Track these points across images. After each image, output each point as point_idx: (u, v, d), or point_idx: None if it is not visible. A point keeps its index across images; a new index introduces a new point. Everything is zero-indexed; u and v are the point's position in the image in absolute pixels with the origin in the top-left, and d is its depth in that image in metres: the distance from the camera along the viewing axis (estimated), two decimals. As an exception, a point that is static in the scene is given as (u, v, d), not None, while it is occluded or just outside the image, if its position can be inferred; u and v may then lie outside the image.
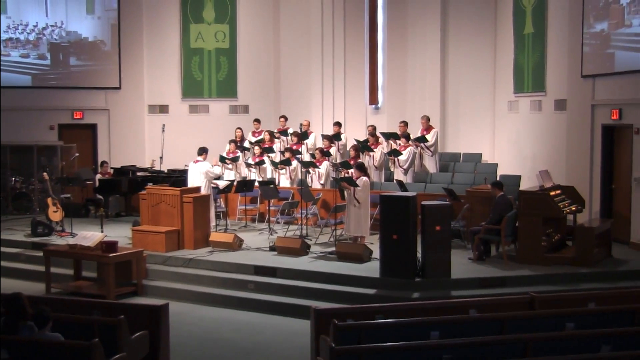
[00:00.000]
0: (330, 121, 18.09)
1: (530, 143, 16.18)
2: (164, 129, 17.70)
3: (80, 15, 18.86)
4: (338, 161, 15.51)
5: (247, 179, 15.62)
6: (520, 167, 15.99)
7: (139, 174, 17.14)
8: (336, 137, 16.28)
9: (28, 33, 18.65)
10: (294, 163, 15.58)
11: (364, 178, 12.75)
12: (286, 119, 17.43)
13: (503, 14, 17.33)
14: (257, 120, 17.54)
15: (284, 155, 15.81)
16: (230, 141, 16.48)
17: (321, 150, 15.30)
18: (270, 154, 16.10)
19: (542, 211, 11.76)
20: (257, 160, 15.99)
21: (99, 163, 17.58)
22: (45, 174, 15.15)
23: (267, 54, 19.87)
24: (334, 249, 12.40)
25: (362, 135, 16.64)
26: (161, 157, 17.23)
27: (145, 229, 12.94)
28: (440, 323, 7.32)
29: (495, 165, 15.84)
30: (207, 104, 19.76)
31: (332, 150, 15.77)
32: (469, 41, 17.70)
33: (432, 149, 15.67)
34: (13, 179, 17.37)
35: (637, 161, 13.02)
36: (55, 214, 14.36)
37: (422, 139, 15.60)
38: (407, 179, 14.97)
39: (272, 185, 14.45)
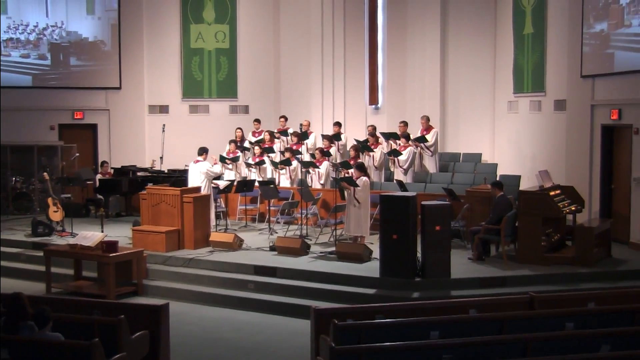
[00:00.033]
0: (330, 121, 18.10)
1: (530, 143, 16.19)
2: (164, 129, 17.70)
3: (80, 15, 18.88)
4: (338, 161, 15.52)
5: (247, 179, 15.64)
6: (520, 167, 16.00)
7: (139, 174, 17.15)
8: (336, 137, 16.29)
9: (28, 33, 18.67)
10: (294, 163, 15.59)
11: (364, 178, 12.76)
12: (286, 119, 17.44)
13: (503, 14, 17.34)
14: (257, 121, 17.56)
15: (284, 155, 15.82)
16: (231, 141, 16.50)
17: (321, 150, 15.31)
18: (270, 154, 16.11)
19: (542, 211, 11.77)
20: (257, 160, 16.00)
21: (99, 163, 17.59)
22: (45, 174, 15.16)
23: (267, 54, 19.88)
24: (334, 248, 12.41)
25: (362, 136, 16.65)
26: (161, 157, 17.23)
27: (146, 229, 12.95)
28: (440, 323, 7.33)
29: (495, 165, 15.85)
30: (207, 104, 19.78)
31: (332, 150, 15.78)
32: (469, 41, 17.71)
33: (432, 149, 15.68)
34: (13, 179, 17.39)
35: (637, 161, 13.03)
36: (55, 214, 14.38)
37: (422, 139, 15.61)
38: (407, 179, 14.98)
39: (272, 185, 14.47)
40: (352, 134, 17.13)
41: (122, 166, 17.77)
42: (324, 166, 15.11)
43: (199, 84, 19.69)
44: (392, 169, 15.70)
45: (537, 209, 11.76)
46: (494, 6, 17.63)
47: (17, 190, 17.33)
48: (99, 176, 16.87)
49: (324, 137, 15.96)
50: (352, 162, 14.03)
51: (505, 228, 11.71)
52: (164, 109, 19.49)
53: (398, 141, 15.47)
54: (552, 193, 12.20)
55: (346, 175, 13.80)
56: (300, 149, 16.17)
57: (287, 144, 16.56)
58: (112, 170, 17.34)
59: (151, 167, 17.54)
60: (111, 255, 11.22)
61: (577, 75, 14.33)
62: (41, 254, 12.23)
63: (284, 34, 19.72)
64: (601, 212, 13.84)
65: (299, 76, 19.49)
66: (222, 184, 14.88)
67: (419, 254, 10.99)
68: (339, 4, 18.75)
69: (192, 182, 13.85)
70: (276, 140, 16.81)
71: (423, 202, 11.00)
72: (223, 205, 15.29)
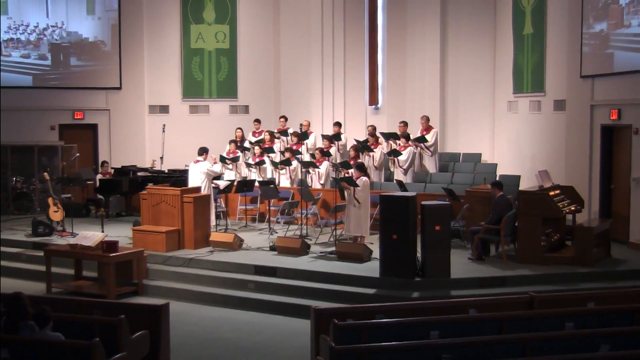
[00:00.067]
0: (330, 121, 18.11)
1: (530, 143, 16.21)
2: (165, 129, 17.72)
3: (80, 15, 18.90)
4: (338, 161, 15.53)
5: (248, 179, 15.65)
6: (520, 167, 16.01)
7: (139, 174, 17.17)
8: (336, 137, 16.30)
9: (29, 33, 18.69)
10: (294, 163, 15.61)
11: (364, 178, 12.77)
12: (286, 119, 17.45)
13: (502, 14, 17.35)
14: (258, 121, 17.57)
15: (284, 156, 15.84)
16: (231, 141, 16.51)
17: (321, 150, 15.33)
18: (270, 154, 16.12)
19: (542, 211, 11.78)
20: (257, 160, 16.01)
21: (100, 163, 17.60)
22: (46, 174, 15.18)
23: (267, 54, 19.89)
24: (334, 248, 12.43)
25: (362, 136, 16.66)
26: (161, 157, 17.24)
27: (146, 229, 12.96)
28: (440, 323, 7.33)
29: (495, 165, 15.86)
30: (208, 104, 19.79)
31: (332, 150, 15.79)
32: (469, 41, 17.72)
33: (431, 149, 15.69)
34: (14, 179, 17.40)
35: (636, 161, 13.04)
36: (56, 213, 14.39)
37: (421, 139, 15.62)
38: (406, 179, 15.00)
39: (272, 185, 14.48)
40: (352, 134, 17.14)
41: (122, 166, 17.78)
42: (324, 166, 15.13)
43: (199, 84, 19.70)
44: (392, 169, 15.71)
45: (537, 209, 11.77)
46: (493, 6, 17.64)
47: (17, 190, 17.34)
48: (99, 176, 16.88)
49: (324, 137, 15.97)
50: (352, 162, 14.04)
51: (505, 228, 11.72)
52: (164, 109, 19.51)
53: (398, 141, 15.48)
54: (551, 193, 12.21)
55: (346, 175, 13.81)
56: (300, 149, 16.18)
57: (287, 144, 16.58)
58: (112, 170, 17.35)
59: (151, 167, 17.55)
60: (111, 255, 11.23)
61: (576, 75, 14.35)
62: (41, 253, 12.25)
63: (284, 34, 19.73)
64: (601, 212, 13.85)
65: (299, 76, 19.50)
66: (222, 184, 14.89)
67: (418, 254, 11.01)
68: (339, 4, 18.76)
69: (192, 182, 13.86)
70: (276, 140, 16.82)
71: (423, 202, 11.01)
72: (223, 205, 15.30)
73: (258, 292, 11.32)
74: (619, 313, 7.72)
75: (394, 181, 14.84)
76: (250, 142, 16.90)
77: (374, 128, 16.10)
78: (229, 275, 11.76)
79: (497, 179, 14.10)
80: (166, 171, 17.09)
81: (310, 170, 15.08)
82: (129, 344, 7.29)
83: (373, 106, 18.65)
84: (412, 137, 15.57)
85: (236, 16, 19.68)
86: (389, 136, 15.69)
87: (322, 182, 15.13)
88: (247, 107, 19.82)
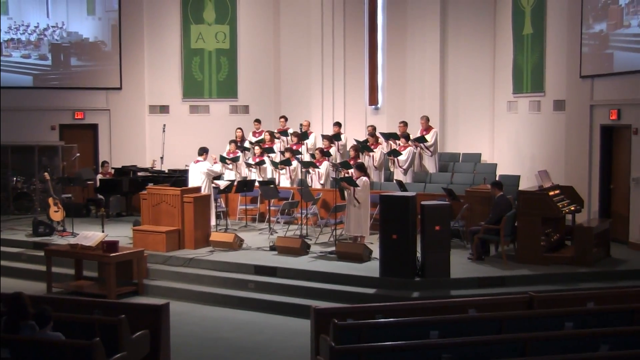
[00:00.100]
0: (330, 121, 18.12)
1: (530, 143, 16.22)
2: (165, 129, 17.74)
3: (81, 16, 18.91)
4: (338, 161, 15.55)
5: (248, 179, 15.66)
6: (520, 167, 16.02)
7: (139, 174, 17.19)
8: (336, 137, 16.32)
9: (29, 34, 18.71)
10: (294, 163, 15.62)
11: (364, 178, 12.79)
12: (286, 119, 17.47)
13: (502, 14, 17.36)
14: (258, 121, 17.58)
15: (284, 156, 15.85)
16: (231, 141, 16.53)
17: (321, 150, 15.34)
18: (270, 154, 16.14)
19: (541, 211, 11.79)
20: (257, 160, 16.03)
21: (100, 163, 17.61)
22: (46, 174, 15.19)
23: (267, 54, 19.90)
24: (333, 248, 12.44)
25: (362, 136, 16.67)
26: (162, 157, 17.26)
27: (146, 229, 12.98)
28: (439, 322, 7.35)
29: (495, 165, 15.87)
30: (208, 104, 19.81)
31: (332, 150, 15.81)
32: (468, 42, 17.72)
33: (431, 149, 15.71)
34: (14, 179, 17.42)
35: (636, 161, 13.05)
36: (56, 213, 14.41)
37: (421, 139, 15.64)
38: (406, 179, 15.01)
39: (272, 185, 14.49)
40: (352, 134, 17.15)
41: (122, 166, 17.80)
42: (324, 166, 15.14)
43: (199, 84, 19.72)
44: (391, 169, 15.73)
45: (537, 209, 11.78)
46: (493, 7, 17.65)
47: (18, 190, 17.36)
48: (99, 176, 16.90)
49: (324, 137, 15.99)
50: (352, 162, 14.06)
51: (504, 228, 11.73)
52: (164, 109, 19.52)
53: (398, 141, 15.49)
54: (551, 193, 12.22)
55: (346, 175, 13.83)
56: (300, 149, 16.20)
57: (287, 144, 16.59)
58: (112, 170, 17.36)
59: (152, 167, 17.57)
60: (112, 255, 11.25)
61: (576, 75, 14.36)
62: (42, 253, 12.27)
63: (284, 34, 19.74)
64: (600, 212, 13.87)
65: (299, 76, 19.51)
66: (222, 184, 14.91)
67: (418, 254, 11.02)
68: (339, 4, 18.77)
69: (193, 182, 13.88)
70: (276, 140, 16.83)
71: (423, 202, 11.03)
72: (223, 205, 15.32)
73: (258, 292, 11.33)
74: (619, 313, 7.73)
75: (394, 181, 14.86)
76: (251, 142, 16.91)
77: (374, 128, 16.12)
78: (229, 275, 11.77)
79: (497, 179, 14.11)
80: (166, 171, 17.11)
81: (310, 170, 15.09)
82: (129, 344, 7.30)
83: (373, 106, 18.66)
84: (412, 137, 15.59)
85: (236, 16, 19.69)
86: (388, 136, 15.70)
87: (322, 182, 15.14)
88: (247, 107, 19.84)
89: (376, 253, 11.53)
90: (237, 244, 12.86)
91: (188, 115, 19.69)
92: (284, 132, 17.01)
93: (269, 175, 15.92)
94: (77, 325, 7.28)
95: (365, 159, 15.23)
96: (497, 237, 11.89)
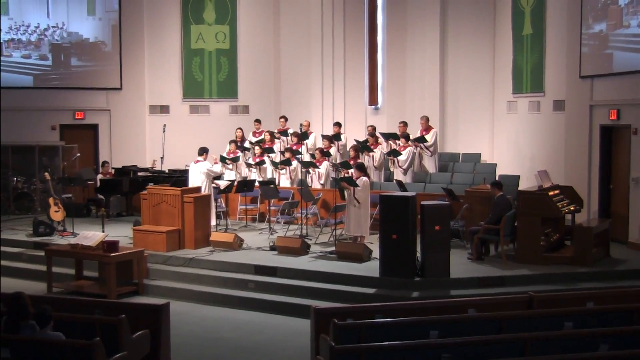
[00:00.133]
0: (330, 121, 18.14)
1: (529, 143, 16.23)
2: (165, 129, 17.75)
3: (81, 16, 18.93)
4: (338, 161, 15.56)
5: (248, 179, 15.68)
6: (519, 167, 16.04)
7: (140, 174, 17.20)
8: (336, 137, 16.33)
9: (30, 34, 18.73)
10: (294, 163, 15.63)
11: (364, 178, 12.80)
12: (286, 120, 17.48)
13: (502, 14, 17.37)
14: (258, 121, 17.59)
15: (284, 156, 15.87)
16: (231, 141, 16.54)
17: (321, 150, 15.35)
18: (270, 154, 16.15)
19: (541, 211, 11.80)
20: (257, 160, 16.04)
21: (100, 163, 17.62)
22: (46, 174, 15.21)
23: (267, 54, 19.92)
24: (333, 248, 12.45)
25: (362, 136, 16.69)
26: (162, 157, 17.28)
27: (146, 229, 12.99)
28: (439, 322, 7.36)
29: (494, 166, 15.89)
30: (208, 104, 19.82)
31: (332, 150, 15.82)
32: (468, 42, 17.73)
33: (431, 149, 15.72)
34: (15, 179, 17.44)
35: (635, 161, 13.07)
36: (56, 213, 14.42)
37: (421, 139, 15.65)
38: (406, 179, 15.02)
39: (272, 185, 14.51)
40: (352, 134, 17.17)
41: (123, 166, 17.81)
42: (324, 166, 15.15)
43: (200, 85, 19.73)
44: (391, 169, 15.74)
45: (536, 209, 11.79)
46: (493, 7, 17.65)
47: (18, 190, 17.37)
48: (99, 176, 16.91)
49: (323, 137, 16.00)
50: (352, 162, 14.07)
51: (504, 228, 11.75)
52: (164, 109, 19.53)
53: (398, 141, 15.51)
54: (551, 193, 12.23)
55: (346, 175, 13.84)
56: (300, 149, 16.21)
57: (287, 144, 16.61)
58: (113, 170, 17.37)
59: (152, 167, 17.58)
60: (112, 255, 11.26)
61: (576, 75, 14.37)
62: (42, 253, 12.28)
63: (284, 34, 19.75)
64: (600, 212, 13.88)
65: (299, 76, 19.52)
66: (222, 184, 14.92)
67: (418, 254, 11.03)
68: (339, 4, 18.78)
69: (193, 182, 13.89)
70: (276, 140, 16.84)
71: (422, 202, 11.04)
72: (223, 205, 15.33)
73: (258, 291, 11.34)
74: (618, 313, 7.74)
75: (394, 181, 14.87)
76: (251, 142, 16.92)
77: (374, 128, 16.13)
78: (229, 275, 11.79)
79: (497, 179, 14.11)
80: (166, 171, 17.13)
81: (310, 170, 15.10)
82: (129, 344, 7.31)
83: (373, 106, 18.67)
84: (411, 137, 15.60)
85: (236, 16, 19.71)
86: (388, 136, 15.71)
87: (322, 182, 15.15)
88: (247, 107, 19.85)
89: (376, 253, 11.54)
90: (237, 244, 12.87)
91: (188, 115, 19.71)
92: (284, 132, 17.03)
93: (269, 175, 15.93)
94: (77, 325, 7.29)
95: (365, 159, 15.24)
96: (497, 237, 11.90)
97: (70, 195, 16.38)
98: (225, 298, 11.28)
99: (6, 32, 18.46)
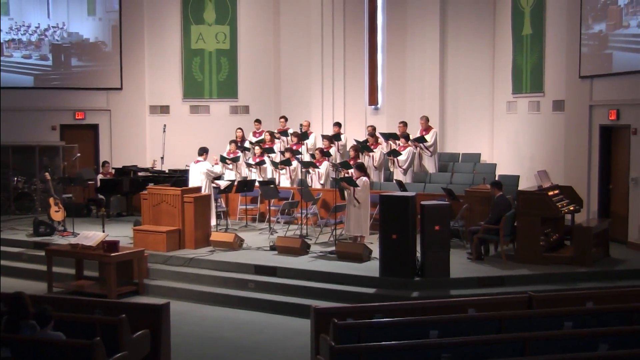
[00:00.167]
0: (330, 121, 18.15)
1: (529, 143, 16.24)
2: (165, 130, 17.76)
3: (81, 16, 18.95)
4: (338, 161, 15.57)
5: (248, 179, 15.69)
6: (519, 167, 16.05)
7: (140, 174, 17.22)
8: (336, 137, 16.34)
9: (30, 34, 18.74)
10: (294, 163, 15.65)
11: (364, 178, 12.81)
12: (286, 120, 17.49)
13: (502, 15, 17.38)
14: (258, 121, 17.60)
15: (284, 156, 15.88)
16: (231, 141, 16.55)
17: (321, 150, 15.37)
18: (270, 154, 16.16)
19: (541, 211, 11.82)
20: (257, 160, 16.06)
21: (101, 163, 17.64)
22: (47, 174, 15.23)
23: (268, 54, 19.93)
24: (333, 248, 12.47)
25: (362, 136, 16.70)
26: (162, 158, 17.29)
27: (147, 229, 13.01)
28: (439, 322, 7.37)
29: (494, 166, 15.90)
30: (208, 104, 19.83)
31: (332, 150, 15.83)
32: (468, 42, 17.75)
33: (431, 149, 15.73)
34: (15, 179, 17.45)
35: (635, 161, 13.08)
36: (57, 213, 14.44)
37: (421, 140, 15.66)
38: (406, 179, 15.04)
39: (272, 185, 14.52)
40: (352, 135, 17.18)
41: (123, 166, 17.83)
42: (324, 166, 15.17)
43: (200, 85, 19.74)
44: (391, 169, 15.75)
45: (536, 209, 11.80)
46: (492, 7, 17.67)
47: (18, 190, 17.39)
48: (100, 176, 16.92)
49: (323, 137, 16.01)
50: (351, 162, 14.08)
51: (504, 228, 11.76)
52: (164, 110, 19.55)
53: (397, 141, 15.52)
54: (550, 193, 12.24)
55: (346, 175, 13.85)
56: (300, 149, 16.22)
57: (287, 144, 16.62)
58: (113, 170, 17.39)
59: (152, 167, 17.59)
60: (112, 254, 11.27)
61: (575, 75, 14.39)
62: (43, 253, 12.29)
63: (284, 34, 19.77)
64: (599, 212, 13.89)
65: (299, 76, 19.54)
66: (222, 184, 14.94)
67: (418, 254, 11.04)
68: (339, 4, 18.79)
69: (193, 182, 13.91)
70: (276, 140, 16.86)
71: (422, 202, 11.05)
72: (224, 205, 15.35)
73: (258, 291, 11.36)
74: (618, 312, 7.75)
75: (394, 181, 14.88)
76: (251, 142, 16.93)
77: (374, 128, 16.14)
78: (230, 275, 11.80)
79: (497, 179, 14.12)
80: (167, 171, 17.15)
81: (310, 170, 15.12)
82: (129, 344, 7.32)
83: (373, 106, 18.68)
84: (411, 137, 15.61)
85: (236, 17, 19.72)
86: (388, 136, 15.73)
87: (322, 182, 15.17)
88: (247, 107, 19.86)
89: (376, 253, 11.55)
90: (237, 244, 12.88)
91: (188, 115, 19.72)
92: (284, 132, 17.04)
93: (269, 175, 15.95)
94: (77, 324, 7.30)
95: (365, 159, 15.25)
96: (497, 237, 11.91)
97: (70, 195, 16.39)
98: (226, 298, 11.29)
99: (7, 33, 18.49)
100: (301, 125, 16.93)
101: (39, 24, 18.74)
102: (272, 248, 12.80)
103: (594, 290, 9.43)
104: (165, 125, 17.93)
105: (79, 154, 17.73)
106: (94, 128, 19.22)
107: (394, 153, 15.24)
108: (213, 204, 14.01)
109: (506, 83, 17.06)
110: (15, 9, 18.59)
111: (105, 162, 17.39)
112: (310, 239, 13.41)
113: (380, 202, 11.41)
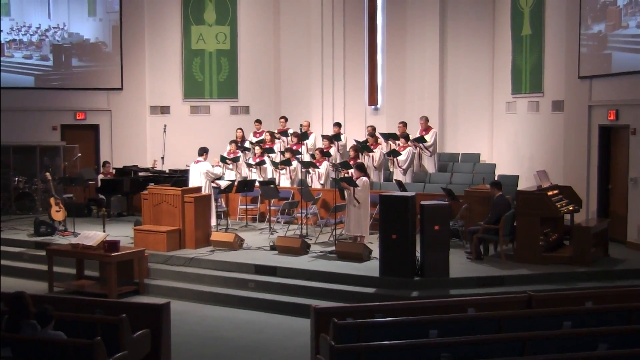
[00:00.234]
0: (330, 122, 18.17)
1: (528, 143, 16.26)
2: (166, 130, 17.78)
3: (82, 17, 18.97)
4: (338, 161, 15.59)
5: (248, 179, 15.71)
6: (518, 167, 16.07)
7: (140, 174, 17.24)
8: (336, 137, 16.36)
9: (31, 35, 18.77)
10: (294, 163, 15.67)
11: (364, 178, 12.83)
12: (286, 120, 17.52)
13: (501, 15, 17.40)
14: (258, 121, 17.62)
15: (284, 156, 15.90)
16: (231, 141, 16.58)
17: (321, 150, 15.39)
18: (270, 155, 16.19)
19: (540, 211, 11.83)
20: (257, 160, 16.08)
21: (101, 163, 17.66)
22: (48, 174, 15.24)
23: (268, 55, 19.95)
24: (333, 248, 12.48)
25: (362, 136, 16.72)
26: (163, 158, 17.31)
27: (147, 229, 13.03)
28: (438, 322, 7.38)
29: (494, 166, 15.92)
30: (208, 104, 19.85)
31: (332, 150, 15.85)
32: (468, 42, 17.76)
33: (430, 149, 15.75)
34: (16, 179, 17.47)
35: (634, 161, 13.10)
36: (57, 213, 14.46)
37: (421, 140, 15.68)
38: (406, 179, 15.05)
39: (272, 185, 14.54)
40: (352, 135, 17.20)
41: (123, 166, 17.85)
42: (324, 166, 15.19)
43: (200, 85, 19.76)
44: (391, 169, 15.77)
45: (535, 209, 11.82)
46: (492, 7, 17.69)
47: (19, 190, 17.41)
48: (100, 176, 16.94)
49: (323, 137, 16.03)
50: (351, 163, 14.10)
51: (503, 228, 11.78)
52: (165, 110, 19.57)
53: (397, 141, 15.54)
54: (550, 193, 12.26)
55: (346, 175, 13.88)
56: (300, 149, 16.25)
57: (287, 145, 16.64)
58: (113, 171, 17.41)
59: (152, 167, 17.61)
60: (113, 254, 11.29)
61: (574, 76, 14.41)
62: (43, 253, 12.31)
63: (284, 35, 19.78)
64: (599, 212, 13.91)
65: (299, 77, 19.56)
66: (223, 184, 14.96)
67: (418, 254, 11.06)
68: (339, 5, 18.81)
69: (193, 182, 13.93)
70: (276, 140, 16.88)
71: (422, 202, 11.07)
72: (224, 205, 15.37)
73: (258, 291, 11.38)
74: (617, 312, 7.77)
75: (394, 181, 14.90)
76: (251, 143, 16.95)
77: (374, 128, 16.16)
78: (230, 275, 11.82)
79: (496, 179, 14.12)
80: (167, 171, 17.17)
81: (310, 170, 15.14)
82: (130, 343, 7.34)
83: (373, 106, 18.70)
84: (411, 137, 15.63)
85: (236, 17, 19.74)
86: (388, 136, 15.75)
87: (322, 182, 15.19)
88: (247, 107, 19.88)
89: (376, 253, 11.57)
90: (237, 244, 12.91)
91: (189, 115, 19.74)
92: (284, 133, 17.06)
93: (269, 175, 15.97)
94: (78, 324, 7.32)
95: (365, 159, 15.27)
96: (496, 237, 11.94)
97: (71, 195, 16.41)
98: (226, 297, 11.31)
99: (7, 33, 18.52)
100: (301, 125, 16.95)
101: (39, 24, 18.77)
102: (272, 248, 12.82)
103: (593, 290, 9.42)
104: (165, 126, 17.94)
105: (79, 154, 17.75)
106: (95, 128, 19.24)
107: (394, 153, 15.26)
108: (213, 204, 14.03)
109: (506, 83, 17.08)
110: (16, 9, 18.62)
111: (105, 162, 17.41)
112: (310, 239, 13.43)
113: (380, 202, 11.43)
